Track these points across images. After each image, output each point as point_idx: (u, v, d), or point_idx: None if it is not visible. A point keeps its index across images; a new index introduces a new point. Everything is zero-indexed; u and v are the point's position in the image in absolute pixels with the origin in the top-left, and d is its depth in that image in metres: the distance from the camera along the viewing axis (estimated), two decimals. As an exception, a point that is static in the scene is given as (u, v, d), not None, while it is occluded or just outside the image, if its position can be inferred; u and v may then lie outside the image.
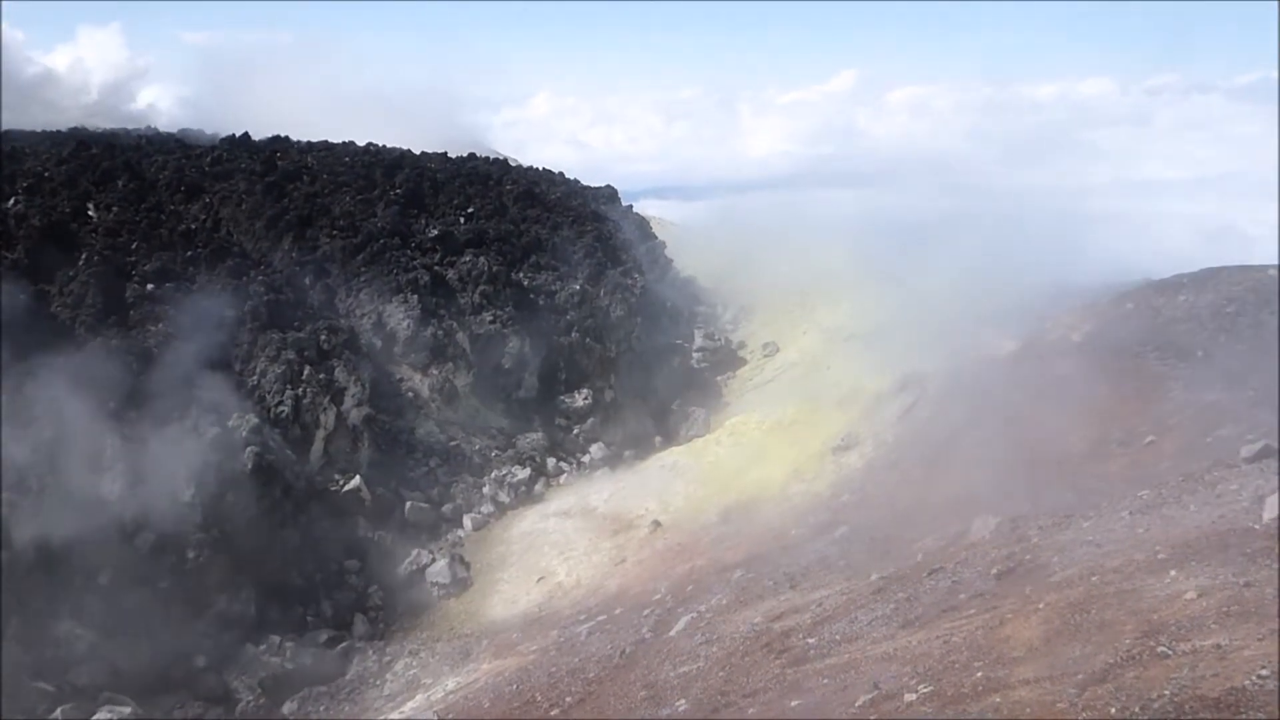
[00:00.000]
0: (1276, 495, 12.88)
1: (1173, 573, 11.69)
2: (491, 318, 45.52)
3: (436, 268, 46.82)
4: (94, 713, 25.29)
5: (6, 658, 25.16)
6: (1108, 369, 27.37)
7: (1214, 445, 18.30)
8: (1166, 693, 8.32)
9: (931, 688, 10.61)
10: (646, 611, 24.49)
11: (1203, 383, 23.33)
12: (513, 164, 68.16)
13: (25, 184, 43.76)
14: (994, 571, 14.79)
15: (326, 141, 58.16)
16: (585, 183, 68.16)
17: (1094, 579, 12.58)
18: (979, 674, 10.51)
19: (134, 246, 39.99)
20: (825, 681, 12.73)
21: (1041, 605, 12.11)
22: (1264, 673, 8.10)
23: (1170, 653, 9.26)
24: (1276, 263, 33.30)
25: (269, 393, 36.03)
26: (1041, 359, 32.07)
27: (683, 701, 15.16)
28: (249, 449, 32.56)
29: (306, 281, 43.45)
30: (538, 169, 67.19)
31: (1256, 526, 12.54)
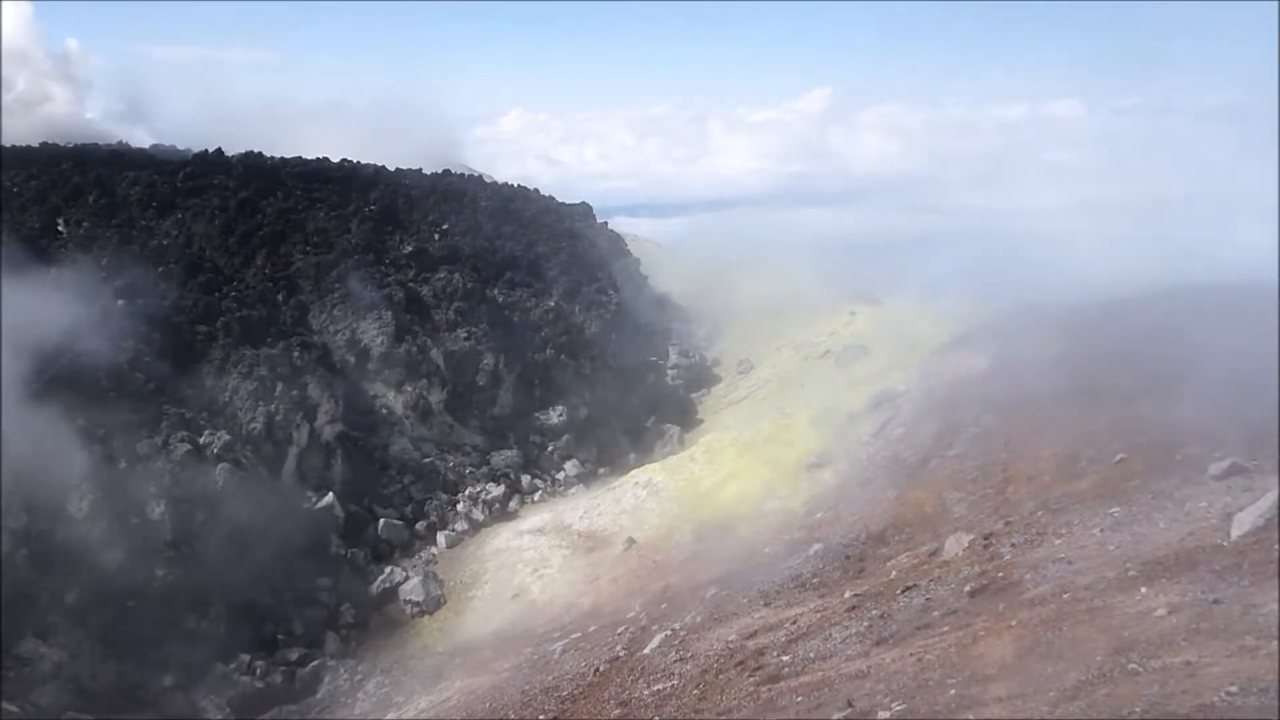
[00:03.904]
0: (1244, 513, 13.02)
1: (1143, 590, 11.80)
2: (466, 334, 45.42)
3: (411, 284, 46.69)
4: (59, 733, 24.96)
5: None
6: (1078, 387, 27.57)
7: (1183, 463, 18.42)
8: (1138, 709, 8.39)
9: (905, 705, 10.64)
10: (621, 629, 24.43)
11: (1172, 400, 23.54)
12: (487, 180, 68.07)
13: (-6, 198, 43.30)
14: (967, 589, 14.85)
15: (300, 157, 57.85)
16: (559, 200, 68.21)
17: (1066, 596, 12.67)
18: (952, 692, 10.56)
19: (104, 262, 39.62)
20: (799, 700, 12.74)
21: (1014, 623, 12.18)
22: (1233, 689, 8.18)
23: (1141, 670, 9.34)
24: (1242, 281, 33.72)
25: (241, 409, 35.77)
26: (1013, 377, 32.28)
27: (657, 719, 15.14)
28: (220, 466, 32.33)
29: (279, 298, 43.20)
30: (512, 185, 67.08)
31: (1225, 544, 12.67)
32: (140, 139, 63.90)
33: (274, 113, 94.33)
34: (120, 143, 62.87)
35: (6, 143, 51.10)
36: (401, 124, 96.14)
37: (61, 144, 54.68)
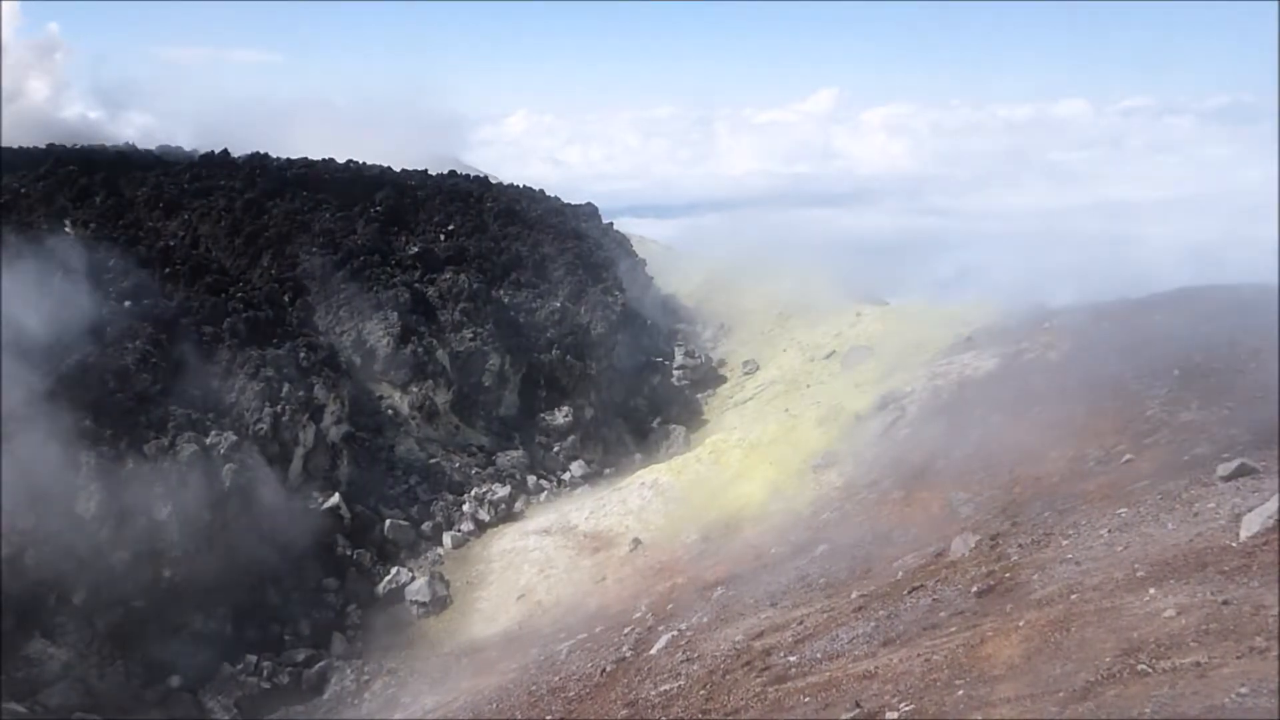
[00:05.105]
0: (1253, 514, 12.98)
1: (1152, 591, 11.75)
2: (472, 335, 45.43)
3: (417, 285, 46.70)
4: (67, 734, 25.02)
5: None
6: (1085, 388, 27.54)
7: (1191, 464, 18.40)
8: (1147, 710, 8.36)
9: (913, 706, 10.62)
10: (627, 630, 24.41)
11: (1179, 401, 23.51)
12: (493, 181, 68.08)
13: (1, 200, 43.37)
14: (974, 590, 14.82)
15: (306, 159, 57.92)
16: (565, 200, 68.19)
17: (1074, 597, 12.63)
18: (960, 692, 10.54)
19: (111, 263, 39.66)
20: (806, 700, 12.72)
21: (1022, 623, 12.15)
22: (1243, 690, 8.15)
23: (1150, 670, 9.31)
24: (1248, 282, 33.66)
25: (247, 410, 35.78)
26: (1020, 378, 32.25)
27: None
28: (227, 467, 32.35)
29: (286, 299, 43.25)
30: (518, 186, 67.05)
31: (1234, 545, 12.62)
32: (142, 140, 64.15)
33: (276, 113, 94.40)
34: (127, 144, 63.07)
35: (7, 141, 51.31)
36: (407, 125, 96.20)
37: (69, 145, 54.88)
